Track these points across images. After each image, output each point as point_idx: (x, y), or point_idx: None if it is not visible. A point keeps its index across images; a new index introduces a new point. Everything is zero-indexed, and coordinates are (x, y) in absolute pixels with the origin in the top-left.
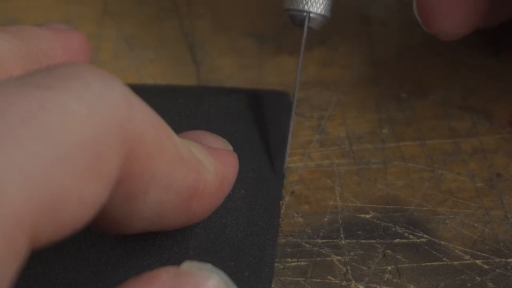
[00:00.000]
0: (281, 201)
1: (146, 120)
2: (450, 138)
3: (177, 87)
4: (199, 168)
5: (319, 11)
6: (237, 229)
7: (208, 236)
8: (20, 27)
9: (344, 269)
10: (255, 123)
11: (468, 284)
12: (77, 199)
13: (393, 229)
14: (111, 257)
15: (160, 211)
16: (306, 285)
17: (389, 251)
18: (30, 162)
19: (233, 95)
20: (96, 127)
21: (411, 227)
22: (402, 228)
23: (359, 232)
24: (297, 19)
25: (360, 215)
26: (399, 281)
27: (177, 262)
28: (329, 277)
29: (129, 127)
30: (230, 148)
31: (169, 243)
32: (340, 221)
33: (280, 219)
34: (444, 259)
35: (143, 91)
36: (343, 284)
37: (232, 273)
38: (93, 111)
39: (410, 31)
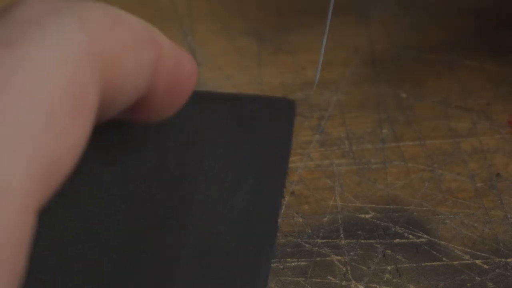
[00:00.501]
0: (280, 207)
1: (104, 31)
2: (450, 138)
3: None
4: (155, 38)
5: None
6: (232, 239)
7: (201, 244)
8: None
9: (344, 269)
10: (257, 130)
11: (468, 284)
12: (69, 146)
13: (393, 229)
14: (100, 266)
15: (135, 94)
16: (306, 285)
17: (389, 251)
18: (22, 136)
19: (236, 100)
20: (68, 69)
21: (411, 227)
22: (402, 228)
23: (359, 232)
24: None
25: (360, 215)
26: (399, 281)
27: (168, 270)
28: (329, 277)
29: (94, 52)
30: None
31: (160, 251)
32: (340, 221)
33: (278, 224)
34: (444, 259)
35: None
36: (343, 284)
37: (223, 284)
38: (60, 57)
39: (410, 31)
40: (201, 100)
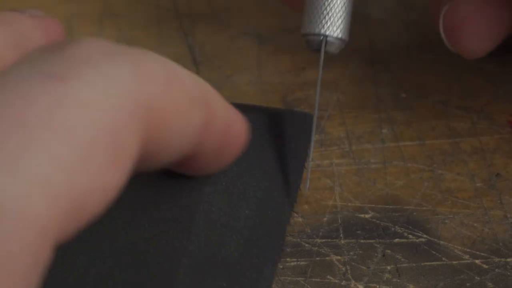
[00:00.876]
0: (287, 223)
1: (157, 84)
2: (450, 138)
3: None
4: (208, 99)
5: (335, 34)
6: (235, 249)
7: (203, 254)
8: (3, 13)
9: (343, 268)
10: (272, 143)
11: (468, 284)
12: (101, 192)
13: (393, 229)
14: (100, 270)
15: (180, 152)
16: (306, 284)
17: (389, 251)
18: (54, 166)
19: (251, 112)
20: (112, 113)
21: (410, 227)
22: (402, 228)
23: (358, 232)
24: (314, 44)
25: (359, 215)
26: (398, 280)
27: (168, 279)
28: (328, 277)
29: (142, 102)
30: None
31: (161, 259)
32: (339, 221)
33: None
34: (443, 258)
35: None
36: (342, 283)
37: None
38: (108, 99)
39: (410, 31)
40: None
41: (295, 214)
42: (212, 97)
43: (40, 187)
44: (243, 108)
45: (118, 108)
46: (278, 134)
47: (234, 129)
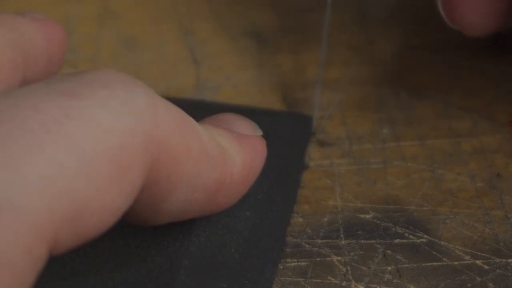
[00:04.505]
0: (287, 224)
1: (172, 124)
2: (450, 138)
3: (197, 102)
4: (225, 161)
5: None
6: (236, 250)
7: (204, 255)
8: (3, 16)
9: (344, 269)
10: (271, 145)
11: (468, 285)
12: (99, 208)
13: (393, 229)
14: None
15: (186, 208)
16: (306, 285)
17: (389, 251)
18: (54, 172)
19: (251, 114)
20: (121, 136)
21: (411, 227)
22: (402, 228)
23: (359, 232)
24: None
25: (360, 215)
26: (399, 281)
27: (168, 280)
28: (329, 278)
29: (154, 134)
30: (260, 132)
31: (161, 260)
32: (340, 221)
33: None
34: (444, 259)
35: None
36: (343, 284)
37: None
38: (118, 120)
39: (410, 31)
40: (215, 111)
41: (295, 214)
42: (229, 159)
43: (38, 186)
44: (242, 110)
45: (128, 132)
46: (278, 136)
47: (254, 168)
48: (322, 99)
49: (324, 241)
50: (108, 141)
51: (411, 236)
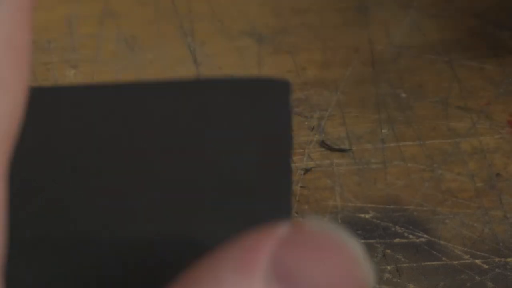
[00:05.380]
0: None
1: None
2: (450, 138)
3: (156, 82)
4: None
5: None
6: (249, 172)
7: (221, 178)
8: None
9: None
10: (254, 113)
11: (468, 284)
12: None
13: (393, 229)
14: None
15: None
16: None
17: (389, 251)
18: None
19: (226, 86)
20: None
21: (410, 227)
22: (402, 228)
23: (359, 232)
24: None
25: (360, 215)
26: (399, 280)
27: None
28: None
29: None
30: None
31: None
32: (340, 221)
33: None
34: (443, 258)
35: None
36: None
37: (248, 212)
38: None
39: (410, 31)
40: (190, 89)
41: (295, 214)
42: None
43: None
44: (211, 84)
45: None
46: (258, 103)
47: None
48: (322, 99)
49: None
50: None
51: (410, 236)
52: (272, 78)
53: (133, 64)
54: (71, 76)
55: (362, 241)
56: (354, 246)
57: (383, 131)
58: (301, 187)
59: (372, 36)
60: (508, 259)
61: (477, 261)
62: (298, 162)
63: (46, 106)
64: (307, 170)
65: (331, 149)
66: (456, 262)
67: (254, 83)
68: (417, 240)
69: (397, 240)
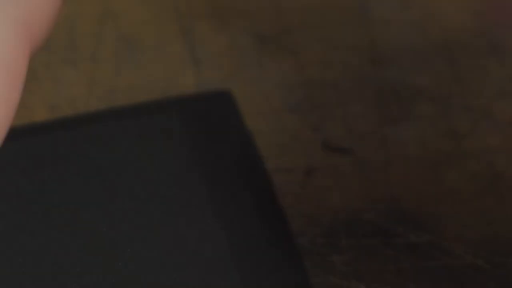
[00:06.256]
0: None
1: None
2: (451, 137)
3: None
4: None
5: None
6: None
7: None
8: None
9: (344, 269)
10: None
11: (469, 284)
12: None
13: (394, 229)
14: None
15: None
16: None
17: (390, 251)
18: None
19: (165, 108)
20: None
21: (411, 227)
22: (403, 228)
23: (359, 231)
24: None
25: (360, 215)
26: (399, 281)
27: None
28: (329, 277)
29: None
30: None
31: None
32: (340, 221)
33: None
34: (445, 259)
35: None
36: (343, 284)
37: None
38: None
39: (411, 31)
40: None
41: (295, 214)
42: None
43: None
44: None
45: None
46: (207, 122)
47: None
48: (323, 99)
49: (324, 240)
50: None
51: (411, 236)
52: (212, 92)
53: (133, 64)
54: (71, 76)
55: (363, 241)
56: None
57: (384, 131)
58: (301, 187)
59: (372, 36)
60: (510, 259)
61: (479, 261)
62: (298, 162)
63: None
64: (307, 170)
65: (331, 149)
66: (458, 262)
67: (195, 104)
68: (418, 240)
69: (398, 240)
